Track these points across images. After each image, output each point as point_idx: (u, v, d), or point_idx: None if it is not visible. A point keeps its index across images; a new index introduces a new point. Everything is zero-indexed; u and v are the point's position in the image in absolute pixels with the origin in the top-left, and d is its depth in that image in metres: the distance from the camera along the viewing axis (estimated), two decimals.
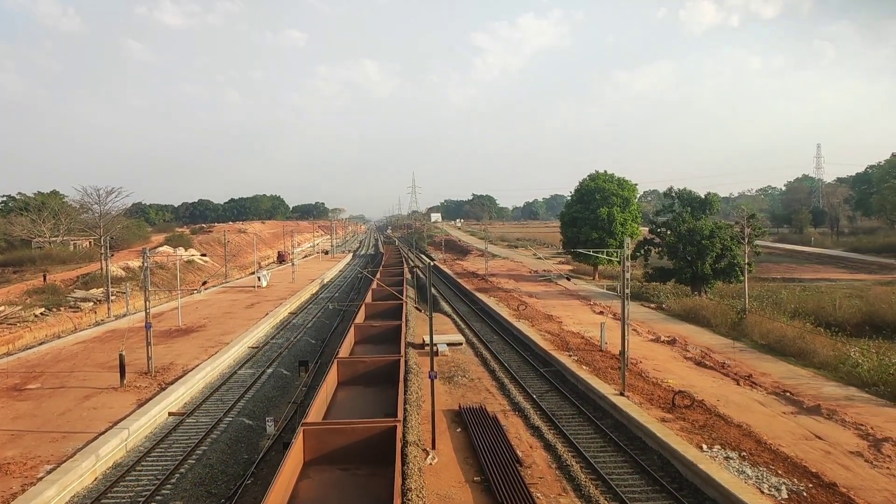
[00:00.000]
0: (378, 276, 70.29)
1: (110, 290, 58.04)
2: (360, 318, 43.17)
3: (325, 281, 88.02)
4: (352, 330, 37.74)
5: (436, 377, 24.61)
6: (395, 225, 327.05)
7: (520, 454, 22.25)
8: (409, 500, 17.56)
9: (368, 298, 52.66)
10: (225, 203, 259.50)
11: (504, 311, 52.90)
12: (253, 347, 42.99)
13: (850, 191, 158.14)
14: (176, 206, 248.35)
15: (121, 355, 31.39)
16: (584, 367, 33.23)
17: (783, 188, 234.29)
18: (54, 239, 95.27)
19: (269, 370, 37.09)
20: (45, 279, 64.10)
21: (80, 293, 62.90)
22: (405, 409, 24.13)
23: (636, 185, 79.20)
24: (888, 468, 20.10)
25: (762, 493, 18.28)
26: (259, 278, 77.25)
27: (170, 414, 28.31)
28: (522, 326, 45.54)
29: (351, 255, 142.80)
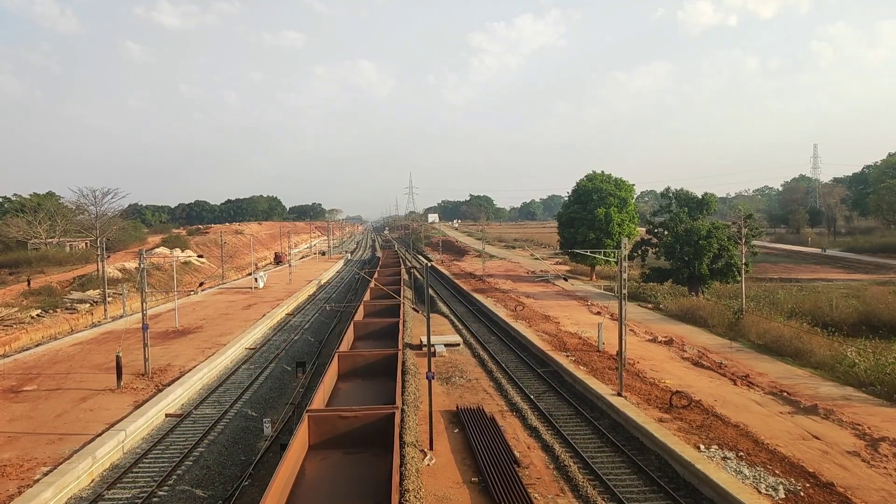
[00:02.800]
0: (375, 276, 70.26)
1: (107, 291, 57.88)
2: (358, 317, 43.18)
3: (322, 282, 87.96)
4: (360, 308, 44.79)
5: (433, 378, 24.60)
6: (392, 226, 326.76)
7: (517, 455, 22.25)
8: (406, 500, 17.56)
9: (366, 298, 52.62)
10: (221, 204, 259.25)
11: (501, 312, 52.90)
12: (250, 349, 42.93)
13: (846, 191, 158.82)
14: (172, 207, 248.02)
15: (117, 357, 31.31)
16: (582, 368, 33.24)
17: (780, 188, 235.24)
18: (50, 240, 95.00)
19: (266, 371, 37.06)
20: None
21: (76, 295, 62.72)
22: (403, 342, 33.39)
23: (633, 185, 79.35)
24: (885, 467, 20.15)
25: (759, 492, 18.30)
26: (256, 279, 77.13)
27: (167, 415, 28.25)
28: (520, 327, 45.53)
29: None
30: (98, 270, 65.39)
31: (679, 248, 58.73)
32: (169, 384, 31.42)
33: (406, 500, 17.52)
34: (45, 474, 20.57)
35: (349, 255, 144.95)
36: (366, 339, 38.62)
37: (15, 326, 49.41)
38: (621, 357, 28.76)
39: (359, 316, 43.91)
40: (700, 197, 64.77)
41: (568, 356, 36.02)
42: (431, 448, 22.92)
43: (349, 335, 36.62)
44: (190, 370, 34.26)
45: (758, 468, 19.92)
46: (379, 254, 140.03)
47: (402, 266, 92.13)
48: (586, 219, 74.88)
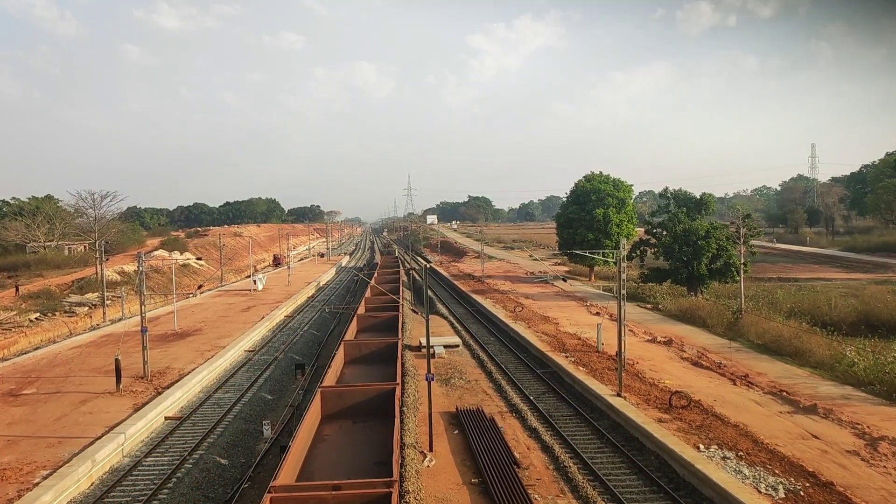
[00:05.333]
0: (374, 278, 70.26)
1: (105, 294, 57.81)
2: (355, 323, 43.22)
3: (321, 284, 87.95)
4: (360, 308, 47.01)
5: (433, 379, 24.59)
6: (390, 227, 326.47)
7: (517, 456, 22.25)
8: (406, 502, 17.55)
9: (365, 301, 52.54)
10: (220, 206, 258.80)
11: (500, 313, 52.91)
12: (249, 351, 42.90)
13: (844, 190, 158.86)
14: (171, 209, 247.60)
15: (116, 360, 31.27)
16: (581, 369, 33.25)
17: (778, 188, 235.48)
18: (49, 243, 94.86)
19: (266, 373, 37.03)
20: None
21: (75, 298, 62.61)
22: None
23: (632, 185, 79.36)
24: (884, 467, 20.17)
25: (759, 492, 18.32)
26: (255, 282, 77.08)
27: (166, 418, 28.23)
28: (519, 328, 45.55)
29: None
30: (97, 273, 65.33)
31: (678, 248, 58.77)
32: (168, 387, 31.40)
33: (406, 502, 17.52)
34: (45, 478, 20.55)
35: (347, 256, 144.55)
36: (368, 332, 39.65)
37: (13, 330, 49.34)
38: (621, 357, 28.78)
39: (357, 321, 43.69)
40: (698, 197, 64.82)
41: (567, 357, 36.03)
42: (431, 449, 22.91)
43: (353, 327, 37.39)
44: (189, 373, 34.24)
45: (757, 468, 19.94)
46: (378, 259, 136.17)
47: (402, 268, 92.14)
48: (585, 219, 74.90)
